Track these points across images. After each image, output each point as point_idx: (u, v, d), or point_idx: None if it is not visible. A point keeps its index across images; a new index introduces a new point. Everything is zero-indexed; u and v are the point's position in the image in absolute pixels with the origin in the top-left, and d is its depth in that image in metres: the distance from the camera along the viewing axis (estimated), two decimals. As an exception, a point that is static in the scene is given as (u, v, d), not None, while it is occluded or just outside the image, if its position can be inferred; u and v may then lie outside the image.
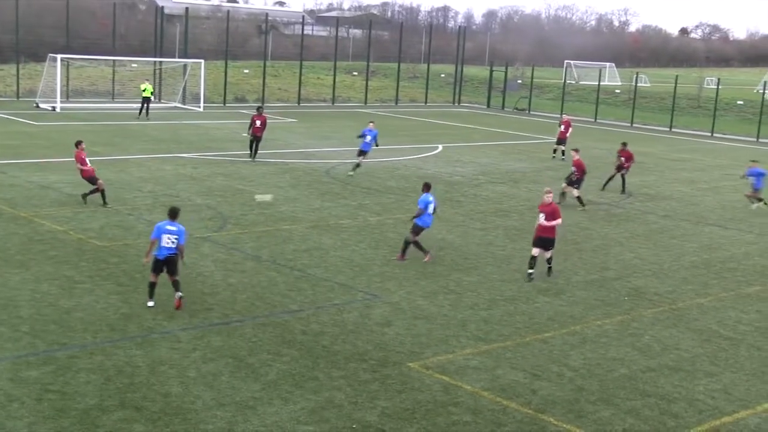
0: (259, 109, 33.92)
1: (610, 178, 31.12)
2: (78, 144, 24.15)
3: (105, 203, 23.56)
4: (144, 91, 46.61)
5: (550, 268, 19.30)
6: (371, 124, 31.75)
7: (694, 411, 12.68)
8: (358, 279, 18.21)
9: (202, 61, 54.48)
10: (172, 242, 15.37)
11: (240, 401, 11.99)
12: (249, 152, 33.27)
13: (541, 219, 18.78)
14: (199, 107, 53.01)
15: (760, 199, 29.16)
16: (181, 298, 15.50)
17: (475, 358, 14.13)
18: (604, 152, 40.75)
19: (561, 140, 38.77)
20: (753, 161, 30.50)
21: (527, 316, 16.53)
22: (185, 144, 37.10)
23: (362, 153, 30.83)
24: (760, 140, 54.71)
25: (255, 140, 32.99)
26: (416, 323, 15.66)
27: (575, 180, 27.23)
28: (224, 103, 57.51)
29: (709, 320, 17.00)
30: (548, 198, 18.95)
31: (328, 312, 15.99)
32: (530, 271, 18.92)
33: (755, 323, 17.01)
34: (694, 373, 14.15)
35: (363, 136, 31.08)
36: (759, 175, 29.19)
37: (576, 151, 28.31)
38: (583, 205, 27.02)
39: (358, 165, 30.70)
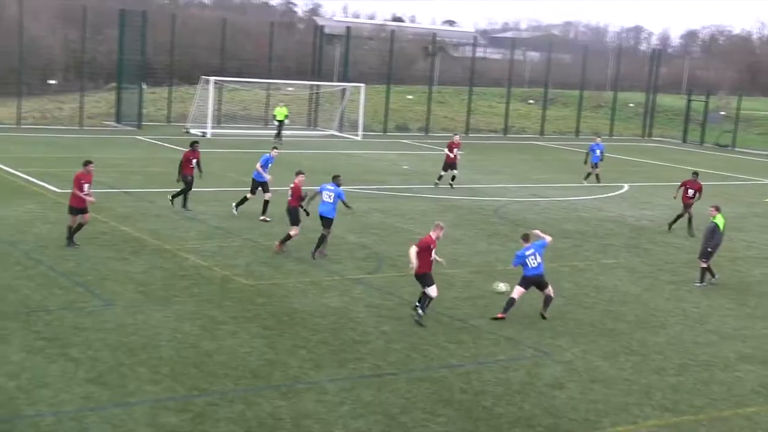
0: (193, 144, 28.95)
1: (679, 217, 29.94)
2: (86, 164, 22.85)
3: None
4: (276, 114, 49.16)
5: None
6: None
7: None
8: (526, 333, 18.04)
9: (363, 85, 55.62)
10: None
11: (390, 464, 12.04)
12: (175, 198, 28.31)
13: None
14: (357, 136, 54.07)
15: None
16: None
17: (661, 431, 13.72)
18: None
19: (450, 164, 36.58)
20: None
21: (726, 386, 15.91)
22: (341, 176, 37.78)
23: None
24: None
25: (186, 183, 28.13)
26: (592, 387, 15.35)
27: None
28: (385, 132, 58.43)
29: None
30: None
31: (490, 369, 15.90)
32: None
33: None
34: None
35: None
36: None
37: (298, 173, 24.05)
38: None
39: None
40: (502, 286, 20.34)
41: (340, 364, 15.57)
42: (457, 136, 38.11)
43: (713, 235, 22.88)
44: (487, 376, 15.55)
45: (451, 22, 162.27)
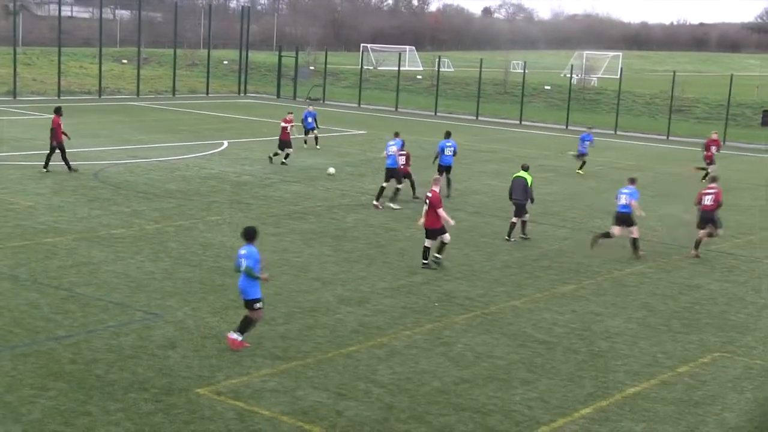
0: (58, 110, 31.11)
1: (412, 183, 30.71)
2: None
3: None
4: None
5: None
6: (397, 136, 29.53)
7: (511, 423, 13.24)
8: (135, 297, 17.81)
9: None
10: None
11: (-2, 447, 11.48)
12: (50, 163, 30.51)
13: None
14: (-64, 102, 50.20)
15: None
16: None
17: (272, 380, 14.15)
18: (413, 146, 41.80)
19: (284, 142, 35.16)
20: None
21: (329, 329, 16.71)
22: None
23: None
24: (570, 128, 57.74)
25: (60, 149, 30.42)
26: (205, 343, 15.49)
27: None
28: (-33, 97, 54.74)
29: (523, 324, 17.79)
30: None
31: (101, 336, 15.55)
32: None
33: (570, 324, 17.96)
34: (510, 382, 14.77)
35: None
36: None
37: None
38: None
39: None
40: (331, 170, 31.62)
41: (-65, 349, 14.51)
42: (291, 114, 36.29)
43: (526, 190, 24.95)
44: (98, 343, 15.18)
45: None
